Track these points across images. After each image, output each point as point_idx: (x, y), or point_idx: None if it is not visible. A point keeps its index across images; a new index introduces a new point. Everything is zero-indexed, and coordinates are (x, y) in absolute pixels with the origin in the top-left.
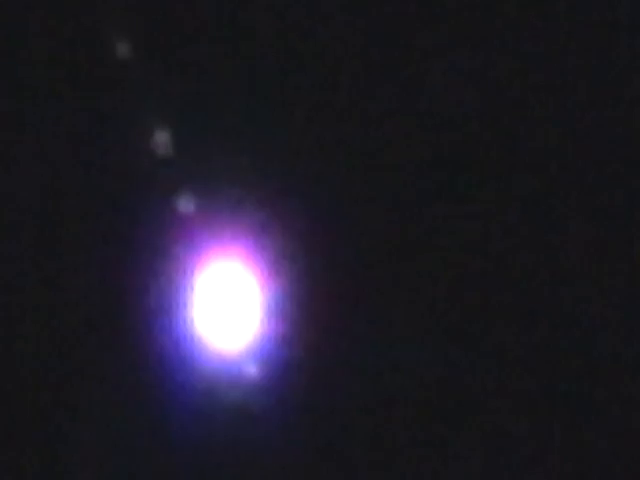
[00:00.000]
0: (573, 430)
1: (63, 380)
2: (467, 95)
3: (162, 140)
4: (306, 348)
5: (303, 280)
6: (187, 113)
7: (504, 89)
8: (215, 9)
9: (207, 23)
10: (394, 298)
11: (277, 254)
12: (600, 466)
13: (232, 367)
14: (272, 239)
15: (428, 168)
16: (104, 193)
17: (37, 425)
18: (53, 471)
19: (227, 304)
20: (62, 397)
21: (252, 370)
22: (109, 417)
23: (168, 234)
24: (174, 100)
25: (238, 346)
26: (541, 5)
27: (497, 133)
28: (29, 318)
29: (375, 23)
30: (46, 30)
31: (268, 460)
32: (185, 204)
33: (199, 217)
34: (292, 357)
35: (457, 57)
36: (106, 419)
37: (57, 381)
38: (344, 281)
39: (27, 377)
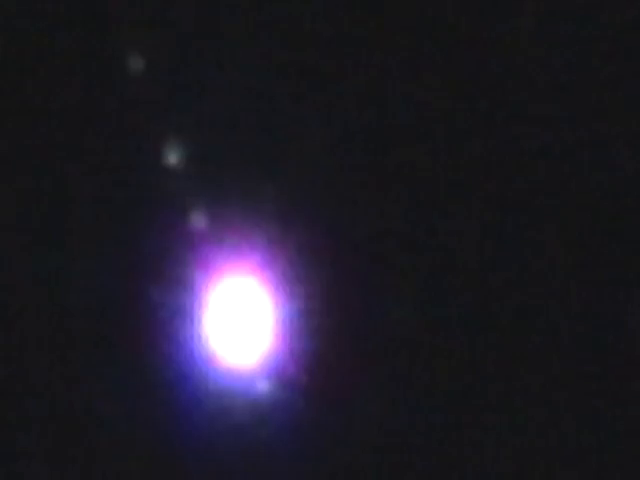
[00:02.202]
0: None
1: (74, 396)
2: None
3: (175, 155)
4: (319, 364)
5: (316, 295)
6: (200, 128)
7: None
8: (228, 24)
9: (221, 37)
10: (409, 313)
11: (290, 269)
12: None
13: (245, 383)
14: (285, 254)
15: (442, 181)
16: (116, 207)
17: (44, 438)
18: None
19: (240, 320)
20: (74, 413)
21: (265, 386)
22: (119, 433)
23: (181, 249)
24: (187, 115)
25: (251, 362)
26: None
27: (497, 135)
28: (40, 335)
29: (379, 26)
30: (58, 45)
31: (281, 477)
32: (198, 219)
33: (212, 232)
34: (305, 373)
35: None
36: (116, 435)
37: (68, 397)
38: (358, 296)
39: (36, 396)
